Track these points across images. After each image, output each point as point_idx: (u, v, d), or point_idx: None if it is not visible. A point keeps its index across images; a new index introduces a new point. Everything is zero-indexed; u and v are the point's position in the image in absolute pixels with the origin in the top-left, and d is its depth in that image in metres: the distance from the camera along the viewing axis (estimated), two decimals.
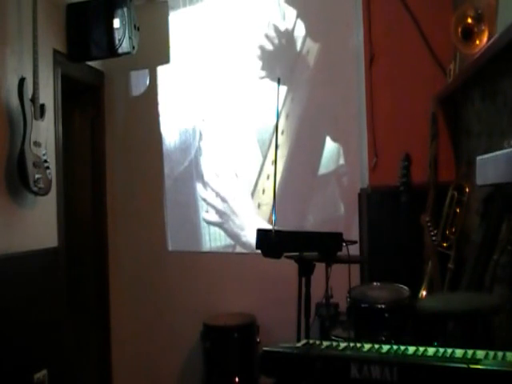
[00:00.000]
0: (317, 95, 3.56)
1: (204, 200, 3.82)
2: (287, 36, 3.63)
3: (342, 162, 3.53)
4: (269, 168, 3.65)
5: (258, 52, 3.69)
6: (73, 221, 3.74)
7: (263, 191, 3.69)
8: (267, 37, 3.67)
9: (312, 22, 3.57)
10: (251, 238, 3.58)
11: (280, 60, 3.65)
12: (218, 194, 3.79)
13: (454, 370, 1.24)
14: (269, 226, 2.88)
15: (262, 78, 3.68)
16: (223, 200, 3.78)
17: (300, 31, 3.60)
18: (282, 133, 3.61)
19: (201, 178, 3.84)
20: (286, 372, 1.45)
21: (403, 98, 3.20)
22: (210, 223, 3.81)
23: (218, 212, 3.79)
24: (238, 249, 3.75)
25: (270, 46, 3.66)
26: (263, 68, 3.69)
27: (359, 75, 3.36)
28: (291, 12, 3.63)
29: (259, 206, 3.71)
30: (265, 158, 3.68)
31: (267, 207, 3.66)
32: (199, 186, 3.84)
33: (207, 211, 3.81)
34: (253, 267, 3.57)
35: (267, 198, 3.64)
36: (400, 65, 3.20)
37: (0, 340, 2.71)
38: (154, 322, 3.88)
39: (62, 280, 3.33)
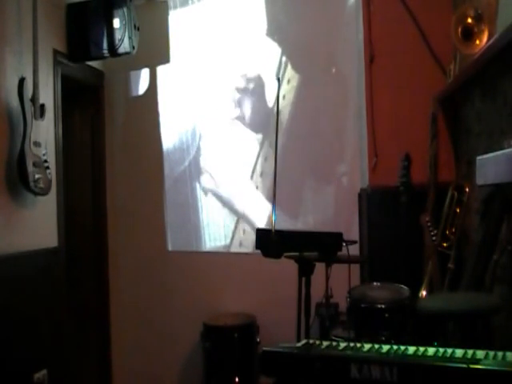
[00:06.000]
0: (317, 95, 3.56)
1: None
2: (287, 34, 3.63)
3: (341, 161, 3.53)
4: (265, 166, 3.65)
5: (258, 51, 3.69)
6: (73, 221, 3.74)
7: (256, 188, 3.69)
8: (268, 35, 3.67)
9: (312, 21, 3.57)
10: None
11: (279, 59, 3.65)
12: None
13: (454, 369, 1.24)
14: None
15: (260, 78, 3.69)
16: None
17: (300, 30, 3.60)
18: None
19: (201, 177, 3.84)
20: (286, 372, 1.45)
21: (403, 98, 3.19)
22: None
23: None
24: (238, 249, 3.75)
25: (270, 44, 3.66)
26: (262, 67, 3.69)
27: (359, 75, 3.36)
28: (291, 11, 3.63)
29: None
30: (263, 156, 3.68)
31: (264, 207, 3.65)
32: (198, 186, 3.85)
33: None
34: (253, 267, 3.57)
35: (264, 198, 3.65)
36: (400, 65, 3.20)
37: (0, 340, 2.71)
38: (153, 322, 3.88)
39: (62, 280, 3.33)
